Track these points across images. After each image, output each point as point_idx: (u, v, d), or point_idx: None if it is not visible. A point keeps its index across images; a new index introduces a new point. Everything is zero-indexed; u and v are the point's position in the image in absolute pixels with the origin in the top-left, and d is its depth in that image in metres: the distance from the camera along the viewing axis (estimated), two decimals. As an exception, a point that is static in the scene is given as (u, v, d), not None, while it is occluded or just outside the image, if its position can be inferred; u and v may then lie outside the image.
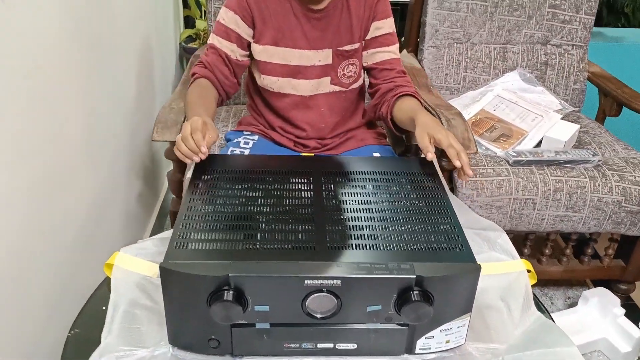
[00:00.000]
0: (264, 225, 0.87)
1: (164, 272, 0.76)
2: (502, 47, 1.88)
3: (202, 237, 0.84)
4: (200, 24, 2.48)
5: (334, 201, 0.95)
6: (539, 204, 1.45)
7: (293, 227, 0.86)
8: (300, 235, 0.85)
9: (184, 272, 0.76)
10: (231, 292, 0.76)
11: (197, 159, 1.00)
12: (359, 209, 0.93)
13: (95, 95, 1.37)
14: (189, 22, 2.66)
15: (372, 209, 0.93)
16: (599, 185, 1.46)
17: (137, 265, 0.95)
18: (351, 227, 0.88)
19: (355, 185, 0.99)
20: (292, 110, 1.38)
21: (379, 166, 1.08)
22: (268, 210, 0.91)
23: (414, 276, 0.77)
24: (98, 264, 0.98)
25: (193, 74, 1.28)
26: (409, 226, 0.89)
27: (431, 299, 0.78)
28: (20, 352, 1.03)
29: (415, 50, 1.92)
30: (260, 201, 0.93)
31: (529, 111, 1.71)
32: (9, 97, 0.96)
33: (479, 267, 0.80)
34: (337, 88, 1.37)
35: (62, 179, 1.17)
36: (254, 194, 0.95)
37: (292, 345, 0.82)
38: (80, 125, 1.26)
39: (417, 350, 0.84)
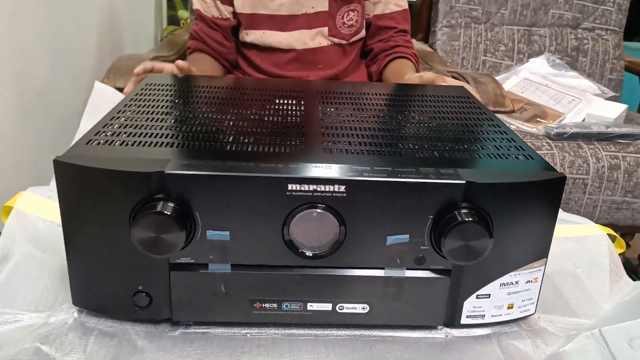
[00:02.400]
0: (231, 132, 0.58)
1: (60, 169, 0.47)
2: (526, 29, 1.64)
3: (134, 132, 0.55)
4: (183, 13, 2.26)
5: (334, 114, 0.66)
6: (591, 186, 1.16)
7: (272, 136, 0.58)
8: (282, 139, 0.56)
9: (92, 167, 0.47)
10: (169, 202, 0.46)
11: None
12: (372, 120, 0.65)
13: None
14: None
15: (392, 123, 0.65)
16: (663, 163, 1.18)
17: (45, 209, 0.66)
18: (360, 136, 0.59)
19: (368, 104, 0.71)
20: (282, 70, 1.13)
21: (398, 90, 0.81)
22: (237, 120, 0.62)
23: (463, 182, 0.48)
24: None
25: (187, 48, 1.16)
26: (448, 134, 0.61)
27: (489, 223, 0.49)
28: None
29: (426, 36, 1.68)
30: (230, 109, 0.65)
31: (564, 94, 1.45)
32: None
33: (562, 178, 0.51)
34: (337, 40, 1.13)
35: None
36: (221, 109, 0.67)
37: (267, 306, 0.52)
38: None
39: (463, 319, 0.54)
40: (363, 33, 1.16)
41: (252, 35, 1.12)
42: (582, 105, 1.41)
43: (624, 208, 1.20)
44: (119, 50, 1.62)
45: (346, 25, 1.12)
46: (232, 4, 1.12)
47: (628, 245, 1.38)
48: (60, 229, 0.48)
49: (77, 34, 1.35)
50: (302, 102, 0.69)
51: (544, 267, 0.54)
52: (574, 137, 1.21)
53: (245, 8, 1.11)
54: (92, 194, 0.47)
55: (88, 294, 0.52)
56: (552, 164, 1.15)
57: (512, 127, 1.32)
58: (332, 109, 0.68)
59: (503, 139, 0.60)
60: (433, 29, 1.64)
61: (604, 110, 1.33)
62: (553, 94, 1.46)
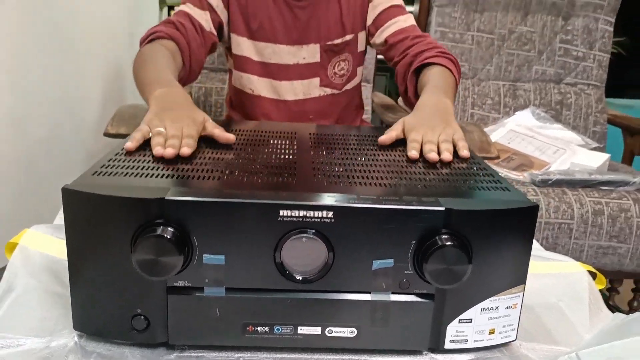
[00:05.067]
0: (227, 167, 0.62)
1: (69, 197, 0.51)
2: (511, 84, 1.72)
3: (135, 167, 0.59)
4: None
5: (324, 154, 0.71)
6: (576, 231, 1.20)
7: (266, 171, 0.62)
8: (275, 173, 0.60)
9: (97, 193, 0.50)
10: (168, 227, 0.50)
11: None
12: (360, 158, 0.69)
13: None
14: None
15: (379, 159, 0.69)
16: (645, 209, 1.22)
17: (49, 245, 0.69)
18: (348, 171, 0.63)
19: (357, 144, 0.76)
20: (275, 118, 1.17)
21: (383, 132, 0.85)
22: (233, 158, 0.66)
23: (442, 208, 0.52)
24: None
25: (154, 32, 0.97)
26: (431, 170, 0.65)
27: (468, 248, 0.52)
28: None
29: (417, 91, 1.76)
30: (226, 149, 0.69)
31: (549, 144, 1.51)
32: None
33: (535, 207, 0.54)
34: (329, 90, 1.17)
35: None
36: (219, 144, 0.71)
37: (259, 329, 0.54)
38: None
39: (447, 344, 0.56)
40: (355, 81, 1.21)
41: (244, 79, 1.15)
42: (566, 155, 1.46)
43: (610, 253, 1.23)
44: (121, 100, 1.69)
45: (337, 75, 1.17)
46: (217, 30, 1.09)
47: (617, 292, 1.40)
48: (60, 263, 0.51)
49: (81, 83, 1.42)
50: (295, 143, 0.74)
51: (522, 293, 0.57)
52: (558, 183, 1.25)
53: (238, 49, 1.13)
54: (96, 219, 0.51)
55: (88, 318, 0.54)
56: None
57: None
58: (323, 149, 0.72)
59: (482, 174, 0.64)
60: (423, 84, 1.71)
61: (588, 160, 1.38)
62: (539, 144, 1.51)
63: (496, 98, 1.71)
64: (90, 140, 1.45)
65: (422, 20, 1.71)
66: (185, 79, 1.01)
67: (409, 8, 1.79)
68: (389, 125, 0.97)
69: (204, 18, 1.05)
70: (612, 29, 1.73)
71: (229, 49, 1.15)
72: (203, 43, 1.04)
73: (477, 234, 0.52)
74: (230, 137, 0.71)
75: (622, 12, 1.73)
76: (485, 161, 0.73)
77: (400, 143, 0.76)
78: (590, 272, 0.75)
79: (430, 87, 0.89)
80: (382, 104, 1.66)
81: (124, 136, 1.03)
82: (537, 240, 1.21)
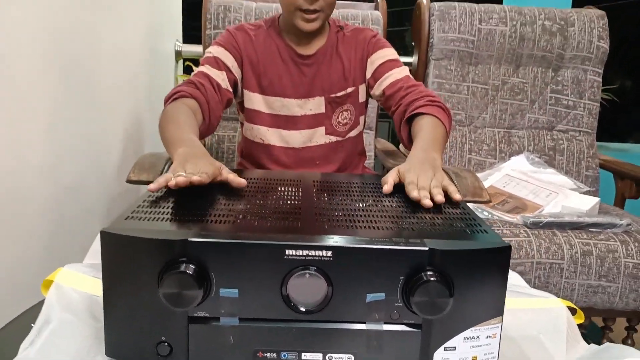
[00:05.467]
0: (240, 213, 0.71)
1: (106, 239, 0.60)
2: (506, 131, 1.82)
3: (162, 212, 0.68)
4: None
5: (326, 199, 0.79)
6: (567, 270, 1.27)
7: (274, 215, 0.70)
8: (282, 217, 0.69)
9: (130, 235, 0.59)
10: (190, 264, 0.58)
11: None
12: (357, 204, 0.77)
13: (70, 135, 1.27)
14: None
15: (374, 204, 0.77)
16: (632, 250, 1.29)
17: (81, 282, 0.77)
18: (346, 215, 0.71)
19: (356, 191, 0.85)
20: (283, 165, 1.27)
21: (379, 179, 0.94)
22: (246, 204, 0.75)
23: (426, 249, 0.60)
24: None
25: (178, 92, 1.07)
26: (417, 214, 0.73)
27: (450, 283, 0.60)
28: None
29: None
30: (239, 197, 0.78)
31: (543, 188, 1.59)
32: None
33: (508, 247, 0.62)
34: (333, 138, 1.27)
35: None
36: (233, 192, 0.80)
37: (268, 355, 0.62)
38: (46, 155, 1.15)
39: (434, 369, 0.63)
40: (358, 129, 1.31)
41: (255, 131, 1.26)
42: (559, 198, 1.54)
43: (600, 292, 1.29)
44: (139, 147, 1.79)
45: (341, 124, 1.27)
46: (233, 88, 1.19)
47: (610, 330, 1.45)
48: (91, 299, 0.59)
49: (104, 134, 1.52)
50: (300, 190, 0.83)
51: (500, 324, 0.64)
52: (549, 225, 1.33)
53: (249, 104, 1.24)
54: (128, 257, 0.59)
55: (119, 345, 0.62)
56: (529, 250, 1.27)
57: (494, 217, 1.44)
58: (325, 195, 0.81)
59: (465, 218, 0.72)
60: (422, 131, 1.81)
61: (579, 203, 1.46)
62: (532, 188, 1.60)
63: (492, 144, 1.80)
64: (112, 186, 1.55)
65: (421, 73, 1.83)
66: (205, 132, 1.11)
67: (408, 59, 1.92)
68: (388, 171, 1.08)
69: (220, 77, 1.16)
70: (600, 79, 1.83)
71: (241, 104, 1.26)
72: (220, 100, 1.14)
73: (457, 270, 0.60)
74: (242, 181, 0.80)
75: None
76: (482, 205, 0.81)
77: (396, 190, 0.85)
78: (570, 308, 0.82)
79: (419, 141, 0.98)
80: (384, 149, 1.75)
81: (145, 182, 1.13)
82: (530, 280, 1.28)
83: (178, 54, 2.23)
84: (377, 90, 1.22)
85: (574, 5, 2.42)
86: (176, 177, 0.72)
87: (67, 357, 0.64)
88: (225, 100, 1.17)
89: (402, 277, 0.60)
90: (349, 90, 1.24)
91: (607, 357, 0.71)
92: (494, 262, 0.62)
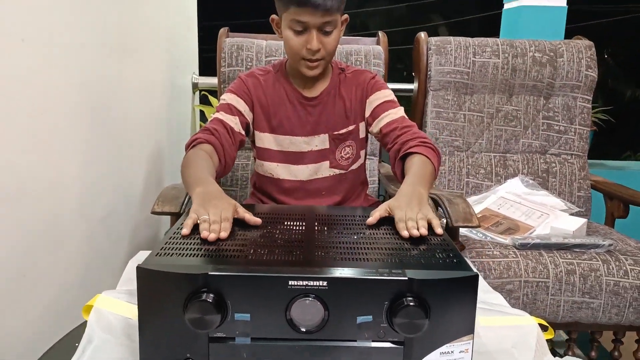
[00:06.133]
0: (251, 247, 0.84)
1: (141, 273, 0.72)
2: (502, 155, 1.93)
3: (186, 249, 0.80)
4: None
5: (325, 233, 0.92)
6: (552, 288, 1.37)
7: (280, 249, 0.83)
8: (287, 251, 0.82)
9: (161, 270, 0.72)
10: (210, 294, 0.71)
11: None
12: (352, 237, 0.90)
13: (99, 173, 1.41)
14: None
15: (363, 238, 0.90)
16: (613, 268, 1.39)
17: (117, 307, 0.90)
18: (341, 248, 0.84)
19: (352, 224, 0.97)
20: (292, 196, 1.39)
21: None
22: (256, 238, 0.88)
23: (406, 278, 0.72)
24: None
25: (196, 139, 1.21)
26: (401, 246, 0.85)
27: (426, 307, 0.72)
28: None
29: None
30: (251, 231, 0.91)
31: (535, 210, 1.70)
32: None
33: (476, 276, 0.74)
34: (337, 171, 1.40)
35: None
36: (245, 227, 0.93)
37: (275, 368, 0.74)
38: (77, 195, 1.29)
39: (415, 380, 0.75)
40: (359, 162, 1.43)
41: (266, 167, 1.39)
42: (549, 219, 1.65)
43: (584, 307, 1.40)
44: (160, 179, 1.93)
45: (344, 158, 1.40)
46: (245, 130, 1.31)
47: (598, 342, 1.55)
48: (126, 321, 0.71)
49: (130, 170, 1.65)
50: (304, 224, 0.95)
51: (471, 340, 0.76)
52: (536, 247, 1.44)
53: (261, 143, 1.37)
54: (159, 288, 0.72)
55: (153, 358, 0.74)
56: (517, 269, 1.38)
57: (488, 239, 1.56)
58: (325, 229, 0.94)
59: (444, 250, 0.84)
60: (422, 157, 1.93)
61: (566, 224, 1.56)
62: (525, 210, 1.71)
63: (488, 168, 1.92)
64: (136, 216, 1.69)
65: (420, 101, 1.95)
66: (221, 172, 1.24)
67: (409, 86, 2.05)
68: (391, 196, 1.22)
69: (233, 122, 1.29)
70: (590, 105, 1.94)
71: (253, 142, 1.40)
72: (233, 142, 1.27)
73: (433, 296, 0.72)
74: (258, 220, 0.93)
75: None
76: (467, 229, 0.92)
77: (384, 222, 0.97)
78: (542, 325, 0.93)
79: (409, 177, 1.11)
80: (387, 174, 1.87)
81: (168, 214, 1.27)
82: (518, 297, 1.39)
83: (195, 85, 2.38)
84: (374, 128, 1.34)
85: (567, 32, 2.54)
86: (209, 231, 0.85)
87: (108, 371, 0.76)
88: (238, 142, 1.29)
89: (387, 302, 0.72)
90: (351, 127, 1.37)
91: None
92: (464, 289, 0.74)
